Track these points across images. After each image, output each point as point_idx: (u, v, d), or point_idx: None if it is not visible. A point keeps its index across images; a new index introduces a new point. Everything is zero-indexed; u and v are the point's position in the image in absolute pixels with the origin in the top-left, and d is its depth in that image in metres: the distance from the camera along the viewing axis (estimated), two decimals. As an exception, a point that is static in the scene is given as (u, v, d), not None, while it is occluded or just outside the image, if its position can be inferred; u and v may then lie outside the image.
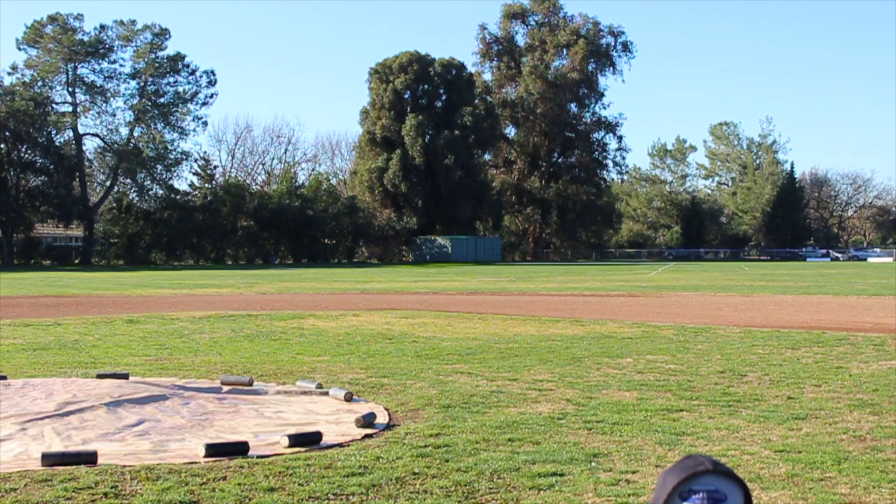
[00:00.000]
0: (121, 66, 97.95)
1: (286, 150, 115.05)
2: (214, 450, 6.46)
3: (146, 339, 15.20)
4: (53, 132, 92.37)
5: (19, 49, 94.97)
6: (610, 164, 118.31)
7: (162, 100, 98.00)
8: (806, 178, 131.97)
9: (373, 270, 63.55)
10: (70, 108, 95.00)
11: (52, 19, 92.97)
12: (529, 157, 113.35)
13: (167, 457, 6.46)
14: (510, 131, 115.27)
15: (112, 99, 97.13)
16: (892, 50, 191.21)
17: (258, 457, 6.43)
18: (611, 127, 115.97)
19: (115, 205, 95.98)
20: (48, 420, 7.49)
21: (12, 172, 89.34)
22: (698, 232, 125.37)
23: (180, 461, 6.33)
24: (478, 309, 22.30)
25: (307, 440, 6.83)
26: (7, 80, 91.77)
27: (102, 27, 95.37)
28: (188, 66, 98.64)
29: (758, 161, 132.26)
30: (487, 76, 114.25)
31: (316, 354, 12.94)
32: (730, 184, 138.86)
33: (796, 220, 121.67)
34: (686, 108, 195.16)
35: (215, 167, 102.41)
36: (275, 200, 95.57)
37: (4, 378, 9.86)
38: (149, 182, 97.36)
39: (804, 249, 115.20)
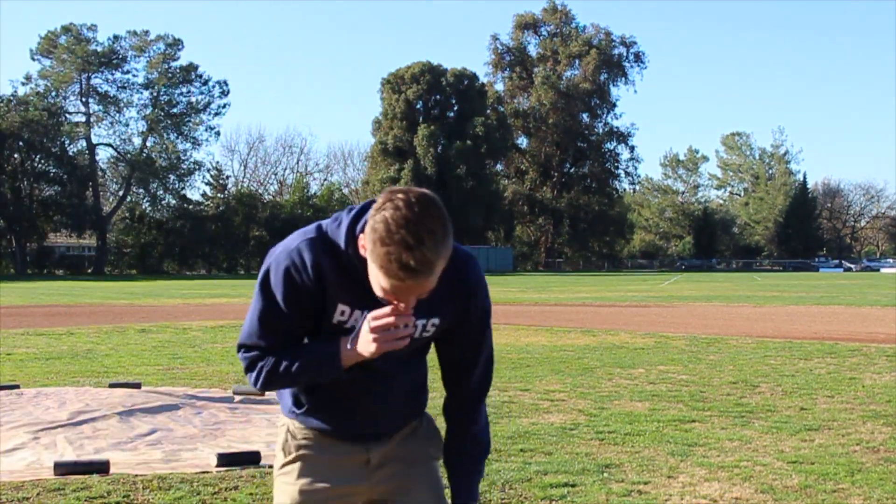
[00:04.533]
0: (134, 76, 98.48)
1: (298, 160, 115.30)
2: (226, 459, 6.47)
3: (158, 348, 15.23)
4: (67, 142, 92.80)
5: (33, 59, 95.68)
6: (622, 174, 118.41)
7: (175, 110, 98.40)
8: (818, 189, 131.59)
9: (384, 280, 63.44)
10: (83, 118, 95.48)
11: (66, 30, 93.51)
12: (541, 168, 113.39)
13: (179, 466, 6.47)
14: (522, 141, 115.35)
15: (125, 109, 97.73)
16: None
17: (270, 466, 6.43)
18: (623, 137, 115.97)
19: (127, 214, 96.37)
20: (61, 429, 7.51)
21: (26, 182, 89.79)
22: (710, 242, 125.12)
23: (192, 470, 6.34)
24: (489, 319, 22.29)
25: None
26: (21, 91, 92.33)
27: (116, 38, 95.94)
28: (201, 76, 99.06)
29: (770, 171, 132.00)
30: (499, 86, 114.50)
31: (327, 364, 12.92)
32: (742, 194, 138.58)
33: (809, 231, 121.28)
34: (698, 119, 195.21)
35: (227, 177, 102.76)
36: (287, 210, 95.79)
37: (17, 387, 9.89)
38: (161, 192, 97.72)
39: (817, 260, 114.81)
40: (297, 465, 2.55)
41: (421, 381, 2.67)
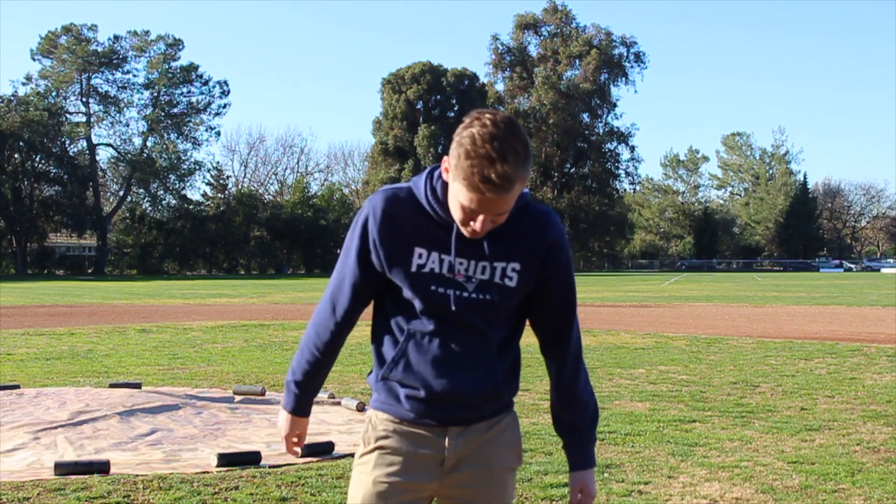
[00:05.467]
0: (134, 76, 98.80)
1: (299, 161, 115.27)
2: (227, 459, 6.47)
3: (159, 348, 15.23)
4: (67, 142, 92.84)
5: (34, 59, 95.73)
6: (622, 174, 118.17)
7: (175, 110, 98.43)
8: (819, 189, 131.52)
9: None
10: (84, 119, 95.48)
11: (67, 30, 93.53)
12: (542, 168, 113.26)
13: (179, 466, 6.47)
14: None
15: (125, 109, 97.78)
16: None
17: (270, 466, 6.44)
18: (623, 137, 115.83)
19: (128, 214, 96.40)
20: (61, 429, 7.51)
21: (26, 182, 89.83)
22: (711, 242, 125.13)
23: (192, 471, 6.34)
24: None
25: (319, 450, 6.83)
26: (21, 91, 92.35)
27: (116, 38, 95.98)
28: (201, 76, 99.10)
29: (770, 171, 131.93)
30: (500, 86, 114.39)
31: (328, 364, 12.91)
32: (742, 194, 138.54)
33: (809, 231, 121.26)
34: (698, 119, 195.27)
35: (228, 177, 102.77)
36: (287, 210, 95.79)
37: (18, 387, 9.89)
38: (162, 192, 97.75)
39: (817, 260, 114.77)
40: (374, 455, 2.60)
41: (508, 357, 2.66)
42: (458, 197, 2.35)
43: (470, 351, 2.53)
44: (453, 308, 2.50)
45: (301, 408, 2.74)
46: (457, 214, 2.41)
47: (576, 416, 2.71)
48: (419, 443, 2.57)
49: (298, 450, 2.83)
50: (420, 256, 2.50)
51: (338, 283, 2.63)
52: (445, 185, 2.48)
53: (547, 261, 2.56)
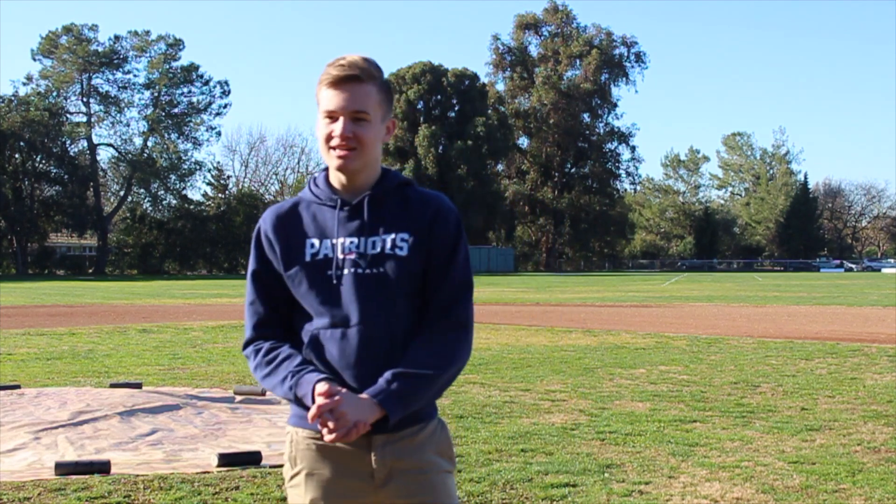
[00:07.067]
0: (135, 76, 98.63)
1: (299, 160, 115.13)
2: (227, 459, 6.47)
3: (159, 348, 15.23)
4: (68, 142, 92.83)
5: (34, 59, 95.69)
6: (623, 174, 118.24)
7: (176, 110, 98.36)
8: (819, 189, 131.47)
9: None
10: (84, 119, 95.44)
11: (67, 30, 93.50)
12: (542, 168, 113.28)
13: (180, 466, 6.47)
14: (523, 142, 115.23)
15: (126, 109, 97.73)
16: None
17: (271, 466, 6.43)
18: (624, 137, 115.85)
19: (128, 214, 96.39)
20: (62, 429, 7.51)
21: (27, 182, 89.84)
22: (711, 242, 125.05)
23: (193, 471, 6.34)
24: (490, 319, 22.27)
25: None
26: (22, 91, 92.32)
27: (117, 38, 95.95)
28: (202, 76, 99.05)
29: (771, 171, 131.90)
30: (500, 86, 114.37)
31: (328, 364, 12.89)
32: (743, 194, 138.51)
33: (810, 231, 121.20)
34: (699, 119, 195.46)
35: (228, 177, 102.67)
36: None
37: (18, 387, 9.89)
38: (162, 192, 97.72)
39: (818, 260, 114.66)
40: (302, 478, 2.57)
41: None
42: (322, 106, 2.55)
43: (374, 337, 2.51)
44: (353, 286, 2.53)
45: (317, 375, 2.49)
46: (322, 133, 2.55)
47: (399, 368, 2.51)
48: (344, 459, 2.53)
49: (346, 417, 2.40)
50: (312, 246, 2.59)
51: (249, 302, 2.70)
52: (324, 172, 2.66)
53: (433, 234, 2.58)
